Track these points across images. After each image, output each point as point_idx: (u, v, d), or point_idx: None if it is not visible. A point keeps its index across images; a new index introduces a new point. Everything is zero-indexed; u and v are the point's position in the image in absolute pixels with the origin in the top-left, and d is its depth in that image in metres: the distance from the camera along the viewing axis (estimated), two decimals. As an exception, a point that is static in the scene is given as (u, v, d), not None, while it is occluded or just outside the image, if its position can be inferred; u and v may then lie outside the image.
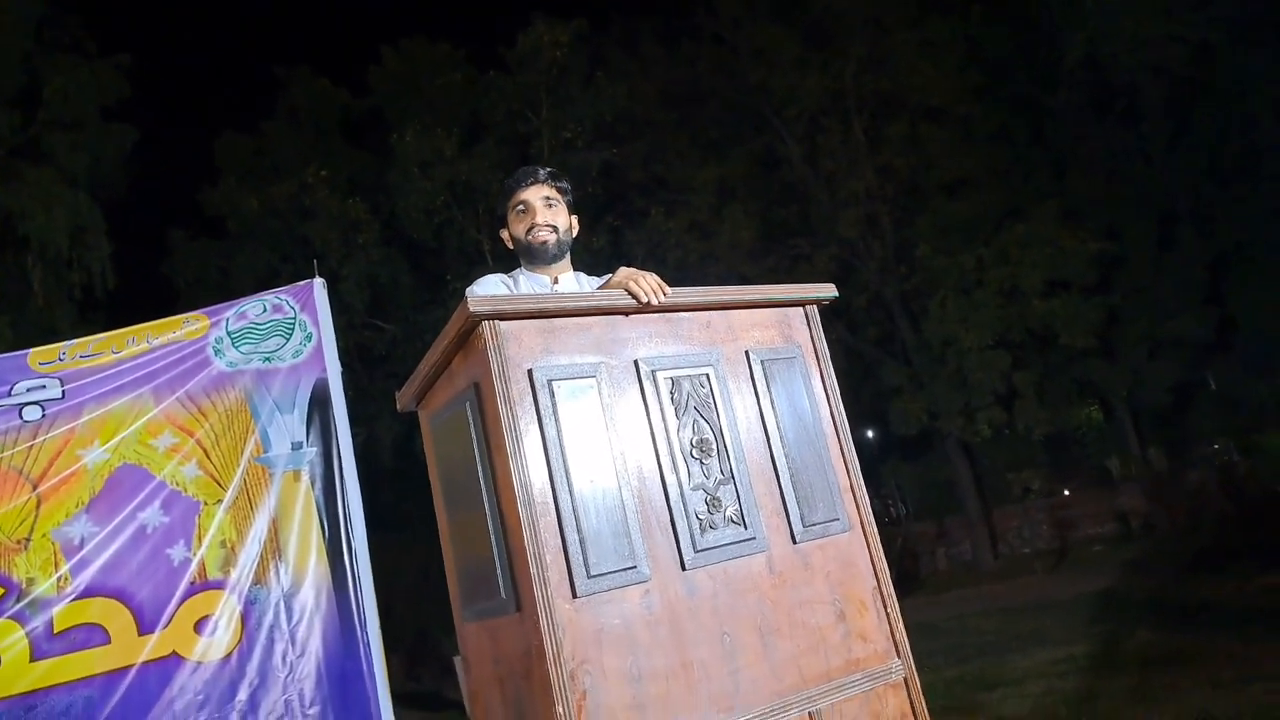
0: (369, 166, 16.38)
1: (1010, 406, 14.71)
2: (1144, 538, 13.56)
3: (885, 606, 1.87)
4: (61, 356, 4.86)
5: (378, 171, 15.84)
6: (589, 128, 15.36)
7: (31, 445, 4.60)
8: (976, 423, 14.53)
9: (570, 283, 2.29)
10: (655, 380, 1.76)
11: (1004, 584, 13.19)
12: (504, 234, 2.36)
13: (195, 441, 4.93)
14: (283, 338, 5.34)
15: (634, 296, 1.76)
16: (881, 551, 1.92)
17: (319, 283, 5.56)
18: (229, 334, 5.25)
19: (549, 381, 1.64)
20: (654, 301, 1.77)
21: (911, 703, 1.82)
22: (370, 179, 16.00)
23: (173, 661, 4.53)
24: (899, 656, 1.85)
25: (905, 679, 1.84)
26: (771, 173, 16.51)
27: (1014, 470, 17.75)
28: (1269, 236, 14.03)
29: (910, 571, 15.89)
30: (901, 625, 1.88)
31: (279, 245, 15.95)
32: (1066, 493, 16.69)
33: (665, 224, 14.90)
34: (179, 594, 4.62)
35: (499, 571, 1.62)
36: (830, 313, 2.03)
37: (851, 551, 1.88)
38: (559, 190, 2.30)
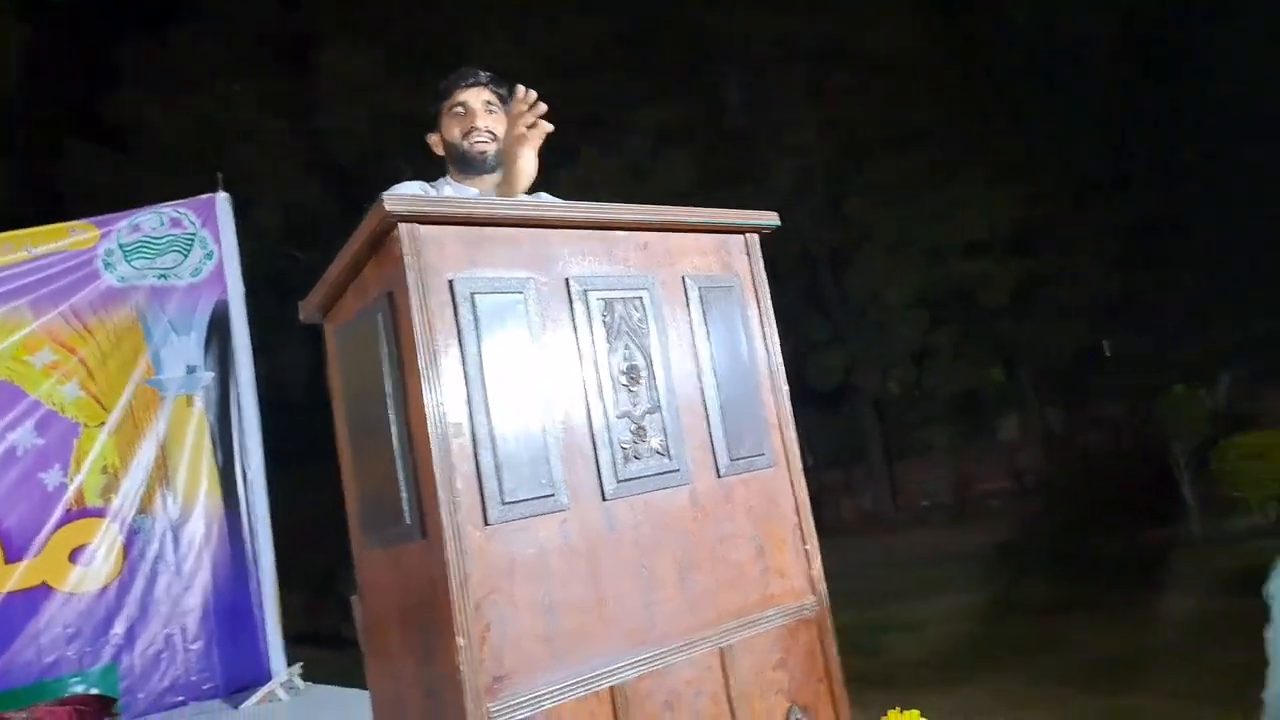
0: (291, 85, 15.50)
1: (922, 364, 15.13)
2: (1039, 494, 14.23)
3: (804, 543, 1.84)
4: (-76, 259, 4.44)
5: (300, 91, 15.02)
6: (526, 60, 14.86)
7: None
8: (889, 379, 14.91)
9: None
10: (587, 300, 1.65)
11: (904, 535, 13.71)
12: (432, 138, 2.18)
13: (78, 360, 4.59)
14: (180, 254, 4.99)
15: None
16: (805, 489, 1.88)
17: (222, 197, 5.20)
18: (121, 246, 4.87)
19: (472, 294, 1.50)
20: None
21: (821, 639, 1.80)
22: (292, 98, 15.15)
23: (41, 592, 4.23)
24: (813, 593, 1.82)
25: (818, 616, 1.81)
26: (712, 119, 16.33)
27: (919, 426, 18.33)
28: (1176, 206, 14.62)
29: (816, 519, 16.31)
30: (819, 563, 1.85)
31: (189, 162, 15.02)
32: (966, 450, 17.34)
33: (599, 163, 14.60)
34: (53, 521, 4.32)
35: (404, 495, 1.49)
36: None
37: (775, 487, 1.83)
38: (500, 97, 2.13)
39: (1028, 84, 15.42)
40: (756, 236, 1.97)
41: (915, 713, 1.62)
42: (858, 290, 14.70)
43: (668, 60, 16.00)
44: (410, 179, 2.17)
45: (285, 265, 14.96)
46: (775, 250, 2.03)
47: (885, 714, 1.65)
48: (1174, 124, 14.46)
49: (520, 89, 1.90)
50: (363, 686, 1.85)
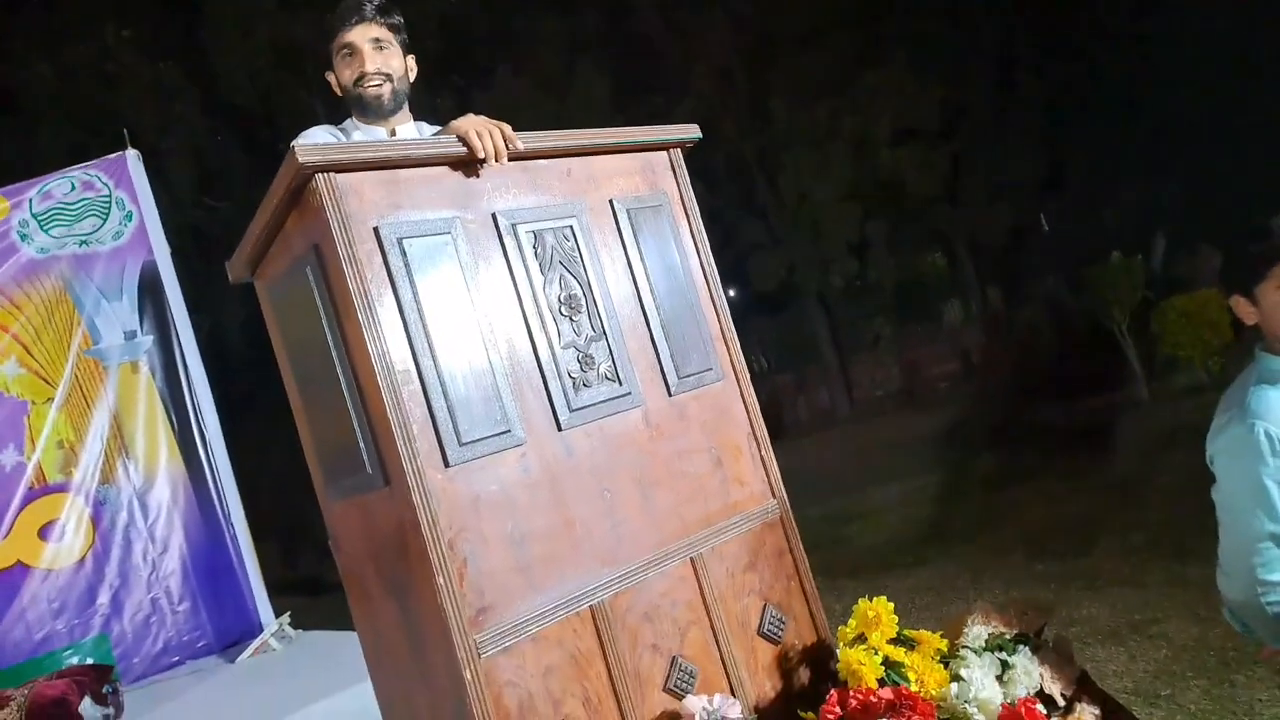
0: (178, 24, 14.67)
1: (862, 257, 15.27)
2: (984, 373, 14.65)
3: (760, 450, 1.90)
4: None
5: (189, 30, 14.23)
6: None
7: None
8: (831, 274, 15.04)
9: (411, 133, 2.06)
10: (516, 234, 1.65)
11: (859, 426, 14.08)
12: (330, 78, 2.07)
13: (11, 336, 4.47)
14: (99, 218, 4.82)
15: (471, 151, 1.58)
16: (755, 397, 1.93)
17: (132, 154, 5.00)
18: (34, 216, 4.69)
19: (399, 240, 1.50)
20: (492, 162, 1.59)
21: (787, 539, 1.88)
22: (182, 39, 14.35)
23: (18, 571, 4.23)
24: (774, 497, 1.89)
25: (781, 518, 1.88)
26: (623, 24, 15.88)
27: (866, 319, 18.64)
28: (1095, 78, 14.71)
29: (774, 422, 16.66)
30: (776, 467, 1.92)
31: (84, 119, 14.24)
32: (914, 337, 17.72)
33: (512, 81, 14.18)
34: (16, 501, 4.28)
35: (362, 446, 1.52)
36: (691, 171, 1.95)
37: (726, 399, 1.88)
38: (390, 28, 2.00)
39: None
40: (680, 152, 1.96)
41: (882, 599, 1.71)
42: (789, 189, 14.66)
43: None
44: (319, 124, 2.09)
45: (202, 216, 14.44)
46: (706, 158, 2.03)
47: (856, 603, 1.74)
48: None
49: (499, 147, 1.61)
50: (351, 628, 1.90)
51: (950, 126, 15.10)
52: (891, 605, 1.70)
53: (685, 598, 1.68)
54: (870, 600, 1.70)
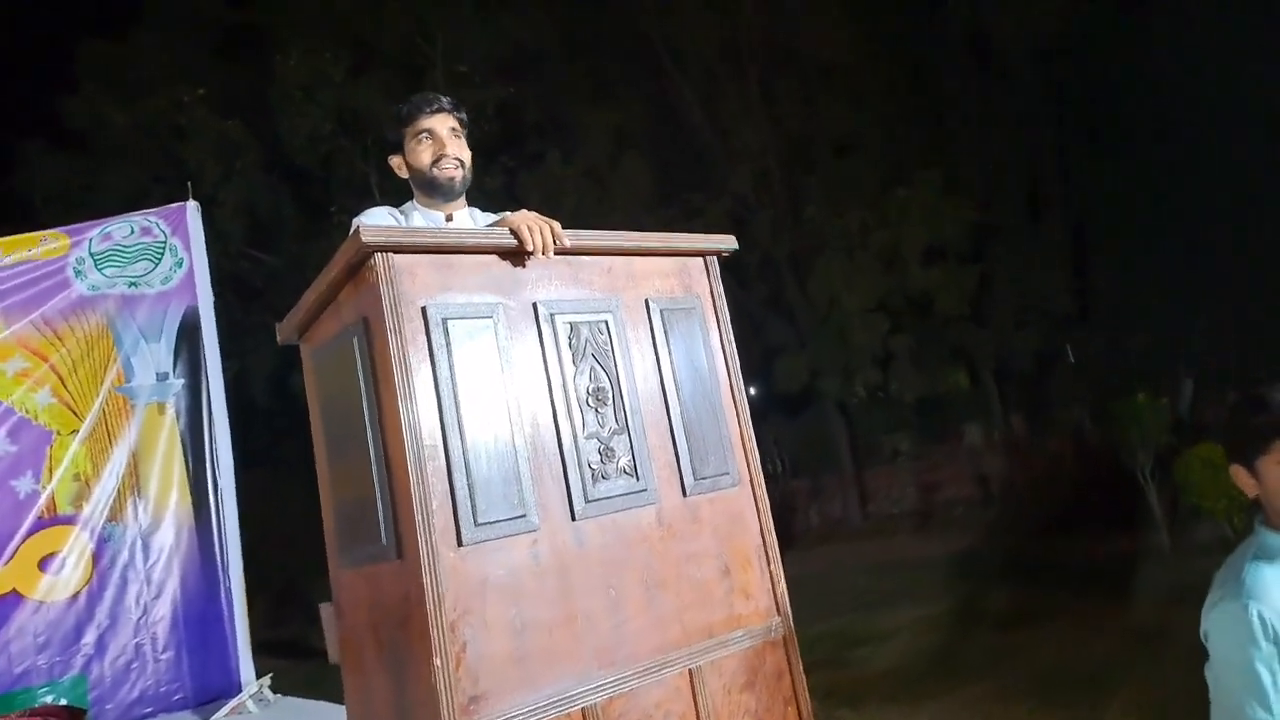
0: (249, 86, 15.36)
1: (886, 369, 15.27)
2: (1003, 501, 14.41)
3: (769, 564, 1.89)
4: (-106, 269, 4.40)
5: (259, 92, 14.89)
6: (485, 63, 14.84)
7: None
8: (854, 383, 15.02)
9: (465, 219, 2.17)
10: (554, 324, 1.71)
11: (872, 542, 13.83)
12: (395, 161, 2.18)
13: (49, 367, 4.57)
14: (151, 262, 4.98)
15: (520, 244, 1.67)
16: (769, 507, 1.94)
17: (192, 205, 5.20)
18: (92, 255, 4.85)
19: (444, 320, 1.56)
20: (540, 256, 1.68)
21: (789, 660, 1.85)
22: (251, 100, 15.01)
23: (11, 600, 4.21)
24: (779, 614, 1.87)
25: (784, 637, 1.86)
26: (669, 122, 16.40)
27: (886, 432, 18.50)
28: (1124, 207, 14.81)
29: (785, 527, 16.45)
30: (783, 583, 1.90)
31: (150, 165, 14.82)
32: (933, 456, 17.53)
33: (561, 169, 14.63)
34: (24, 529, 4.30)
35: (381, 517, 1.54)
36: (723, 267, 2.01)
37: (739, 506, 1.89)
38: (461, 122, 2.15)
39: (972, 87, 15.60)
40: (716, 259, 2.03)
41: None
42: (818, 295, 14.82)
43: (621, 63, 16.05)
44: (370, 186, 2.18)
45: (247, 268, 14.83)
46: (739, 256, 2.09)
47: None
48: (1122, 123, 14.63)
49: (548, 242, 1.69)
50: (328, 697, 1.89)
51: (979, 247, 15.27)
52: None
53: (679, 710, 1.66)
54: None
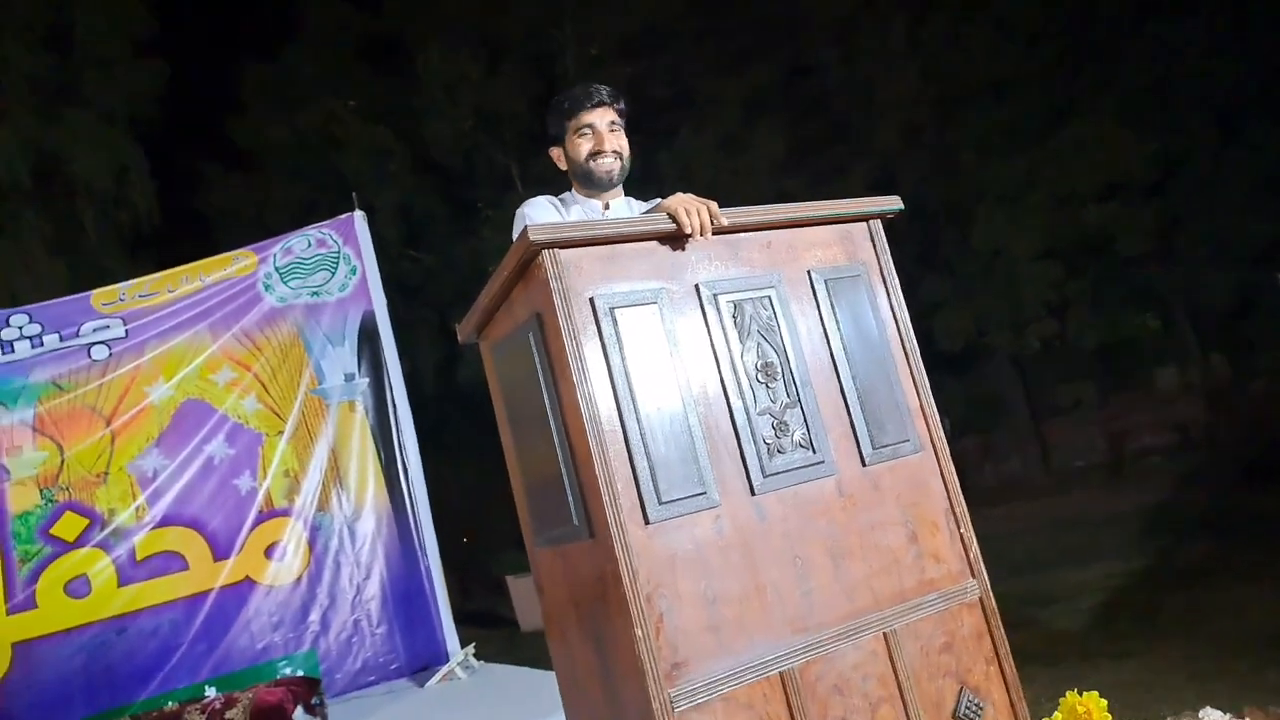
0: (393, 92, 16.11)
1: (1062, 317, 14.37)
2: (1203, 449, 13.31)
3: (959, 527, 1.85)
4: (122, 297, 4.97)
5: (403, 97, 15.59)
6: (614, 42, 14.89)
7: (101, 384, 4.77)
8: (1026, 335, 14.23)
9: (621, 208, 2.23)
10: (717, 304, 1.73)
11: (1055, 498, 13.09)
12: (555, 153, 2.26)
13: (253, 375, 5.05)
14: (329, 272, 5.39)
15: (679, 227, 1.70)
16: (954, 472, 1.89)
17: (359, 215, 5.59)
18: (277, 270, 5.31)
19: (611, 309, 1.61)
20: (698, 237, 1.70)
21: (988, 621, 1.82)
22: (396, 105, 15.74)
23: (246, 586, 4.74)
24: (973, 576, 1.83)
25: (981, 599, 1.82)
26: (803, 83, 15.93)
27: (1064, 381, 17.45)
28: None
29: (960, 489, 15.78)
30: (976, 546, 1.86)
31: (311, 177, 15.86)
32: (1119, 405, 16.39)
33: (694, 141, 14.53)
34: (249, 522, 4.81)
35: (570, 499, 1.62)
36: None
37: (923, 473, 1.86)
38: (619, 113, 2.21)
39: (1141, 19, 14.24)
40: (879, 222, 1.99)
41: (1094, 694, 1.61)
42: (982, 244, 14.01)
43: (750, 27, 15.65)
44: (512, 179, 2.26)
45: (407, 267, 15.63)
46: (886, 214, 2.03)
47: (1064, 695, 1.65)
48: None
49: (705, 223, 1.71)
50: (524, 662, 2.00)
51: (1163, 179, 14.02)
52: (1105, 702, 1.60)
53: (877, 672, 1.66)
54: (1080, 695, 1.62)
